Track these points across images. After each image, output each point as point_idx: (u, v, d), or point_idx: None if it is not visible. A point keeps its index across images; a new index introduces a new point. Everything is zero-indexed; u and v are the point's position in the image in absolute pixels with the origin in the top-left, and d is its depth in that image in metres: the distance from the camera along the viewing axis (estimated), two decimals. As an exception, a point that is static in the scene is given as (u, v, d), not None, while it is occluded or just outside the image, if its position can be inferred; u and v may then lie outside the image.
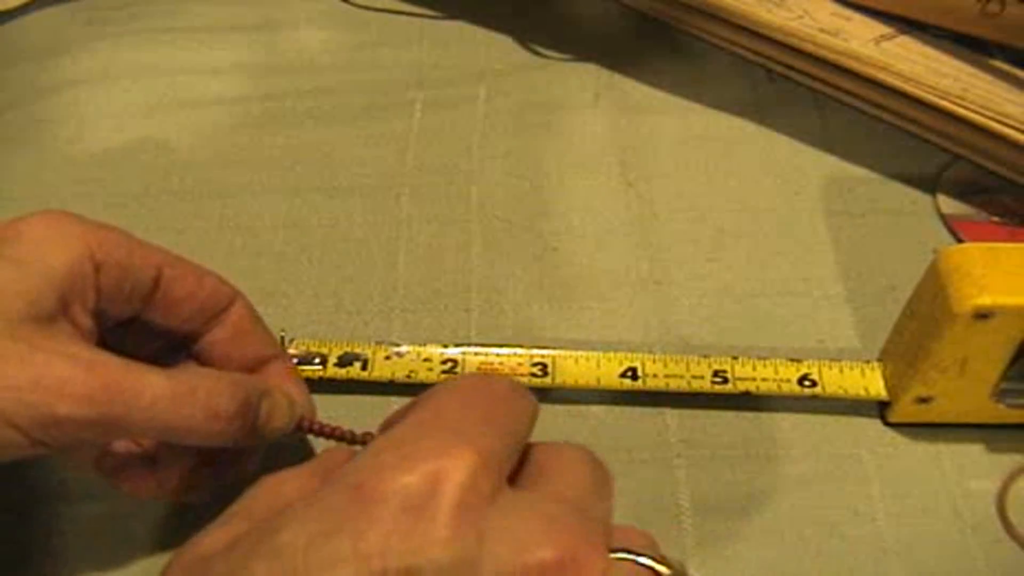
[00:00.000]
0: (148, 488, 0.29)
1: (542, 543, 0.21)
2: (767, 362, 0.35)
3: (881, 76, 0.40)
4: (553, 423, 0.35)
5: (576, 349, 0.36)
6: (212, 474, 0.30)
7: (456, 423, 0.23)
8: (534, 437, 0.35)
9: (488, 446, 0.22)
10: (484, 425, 0.23)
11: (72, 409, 0.24)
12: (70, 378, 0.24)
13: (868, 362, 0.35)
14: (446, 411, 0.23)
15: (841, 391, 0.34)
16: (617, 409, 0.35)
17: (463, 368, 0.35)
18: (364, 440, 0.30)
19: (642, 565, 0.23)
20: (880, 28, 0.44)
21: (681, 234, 0.41)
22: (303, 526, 0.21)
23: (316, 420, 0.31)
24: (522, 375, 0.35)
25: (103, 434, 0.25)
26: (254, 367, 0.31)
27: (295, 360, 0.35)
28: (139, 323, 0.30)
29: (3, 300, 0.25)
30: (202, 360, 0.31)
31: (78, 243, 0.27)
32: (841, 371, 0.35)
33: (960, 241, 0.41)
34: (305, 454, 0.33)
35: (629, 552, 0.23)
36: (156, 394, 0.25)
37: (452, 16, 0.53)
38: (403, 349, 0.36)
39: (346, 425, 0.32)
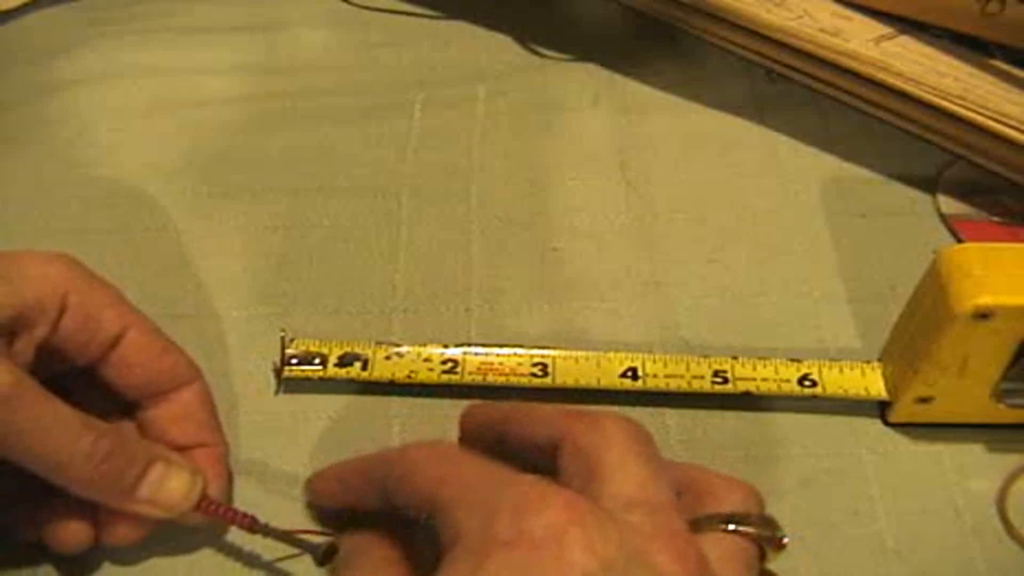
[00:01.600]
0: (81, 536, 0.29)
1: (666, 554, 0.23)
2: (767, 362, 0.35)
3: (881, 76, 0.40)
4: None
5: (576, 349, 0.36)
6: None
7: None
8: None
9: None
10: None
11: None
12: None
13: (868, 362, 0.35)
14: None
15: (841, 391, 0.34)
16: (617, 409, 0.35)
17: (463, 368, 0.35)
18: (264, 531, 0.30)
19: (744, 534, 0.25)
20: (880, 28, 0.44)
21: (681, 234, 0.41)
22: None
23: (219, 503, 0.30)
24: (522, 375, 0.35)
25: None
26: (187, 449, 0.31)
27: (295, 360, 0.35)
28: (88, 376, 0.30)
29: None
30: (141, 430, 0.31)
31: (58, 284, 0.29)
32: (841, 371, 0.35)
33: (960, 241, 0.41)
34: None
35: (730, 520, 0.25)
36: (59, 419, 0.26)
37: (452, 16, 0.53)
38: (403, 349, 0.36)
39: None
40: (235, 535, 0.31)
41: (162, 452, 0.29)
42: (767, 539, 0.26)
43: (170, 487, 0.29)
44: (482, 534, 0.23)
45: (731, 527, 0.25)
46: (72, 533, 0.29)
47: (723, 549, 0.25)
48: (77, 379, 0.30)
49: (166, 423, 0.31)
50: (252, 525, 0.30)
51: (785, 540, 0.26)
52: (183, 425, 0.31)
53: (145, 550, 0.31)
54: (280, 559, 0.31)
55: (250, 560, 0.31)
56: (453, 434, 0.35)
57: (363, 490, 0.28)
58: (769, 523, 0.26)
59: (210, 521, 0.30)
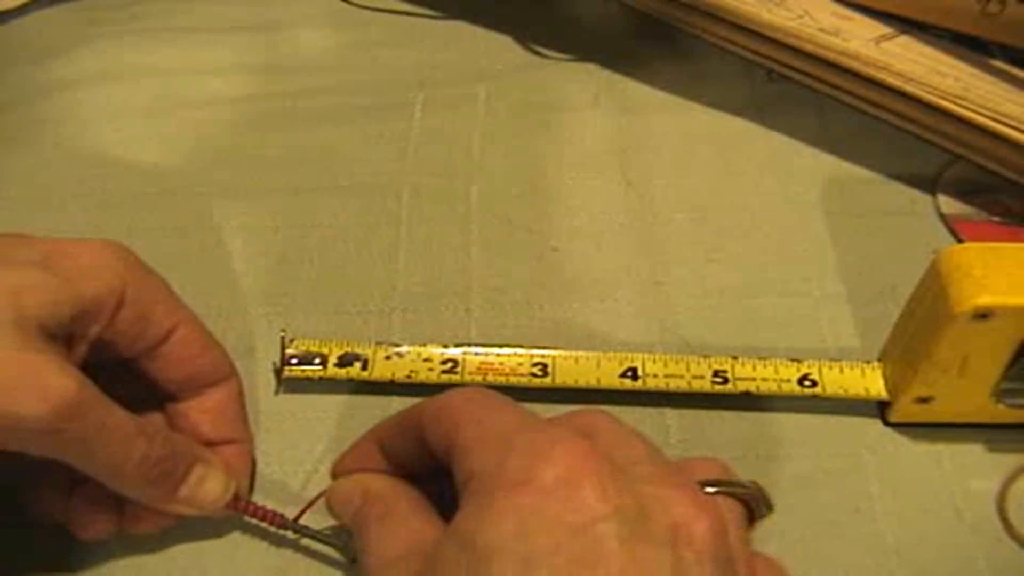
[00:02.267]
0: (104, 523, 0.30)
1: (687, 508, 0.23)
2: (767, 362, 0.35)
3: (881, 76, 0.40)
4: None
5: (576, 349, 0.36)
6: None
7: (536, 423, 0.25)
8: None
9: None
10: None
11: (39, 411, 0.24)
12: (52, 383, 0.25)
13: (868, 362, 0.35)
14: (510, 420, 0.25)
15: (841, 391, 0.34)
16: (617, 409, 0.35)
17: (463, 368, 0.35)
18: (295, 528, 0.31)
19: (731, 492, 0.26)
20: (880, 28, 0.44)
21: (681, 234, 0.41)
22: (499, 528, 0.22)
23: (249, 501, 0.31)
24: (522, 375, 0.35)
25: (52, 448, 0.26)
26: (216, 444, 0.31)
27: (295, 360, 0.35)
28: (131, 367, 0.30)
29: (25, 299, 0.26)
30: (171, 422, 0.32)
31: (114, 279, 0.28)
32: (841, 371, 0.35)
33: (960, 241, 0.41)
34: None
35: (718, 484, 0.26)
36: (120, 426, 0.26)
37: (452, 16, 0.53)
38: (403, 349, 0.36)
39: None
40: (249, 531, 0.31)
41: (202, 453, 0.30)
42: (756, 498, 0.26)
43: (207, 488, 0.29)
44: (494, 476, 0.23)
45: (723, 489, 0.26)
46: (97, 522, 0.29)
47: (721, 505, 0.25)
48: (114, 367, 0.30)
49: (199, 418, 0.31)
50: (283, 522, 0.30)
51: (773, 502, 0.27)
52: (216, 421, 0.31)
53: (159, 540, 0.31)
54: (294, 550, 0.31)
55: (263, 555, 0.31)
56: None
57: (399, 441, 0.28)
58: (755, 485, 0.27)
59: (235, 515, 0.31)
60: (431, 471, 0.27)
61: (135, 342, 0.30)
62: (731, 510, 0.25)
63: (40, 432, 0.25)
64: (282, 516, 0.31)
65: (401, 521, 0.27)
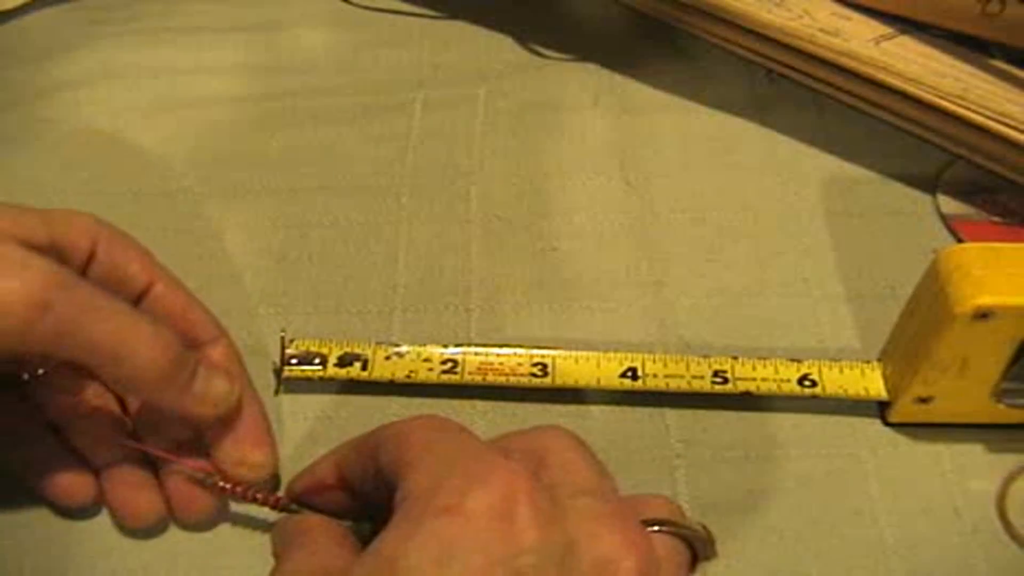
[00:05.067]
0: (146, 508, 0.30)
1: (617, 546, 0.23)
2: (767, 362, 0.35)
3: (881, 76, 0.40)
4: (553, 423, 0.35)
5: (576, 349, 0.36)
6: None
7: (476, 449, 0.25)
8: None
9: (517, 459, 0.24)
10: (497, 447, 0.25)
11: (24, 285, 0.25)
12: (31, 262, 0.26)
13: (868, 362, 0.35)
14: (451, 445, 0.25)
15: (841, 391, 0.34)
16: (617, 409, 0.35)
17: (463, 368, 0.35)
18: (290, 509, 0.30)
19: (676, 533, 0.25)
20: (880, 28, 0.44)
21: (681, 234, 0.41)
22: (421, 553, 0.22)
23: (246, 484, 0.31)
24: (522, 375, 0.35)
25: (54, 334, 0.26)
26: None
27: (295, 360, 0.35)
28: None
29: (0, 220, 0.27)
30: None
31: (87, 228, 0.30)
32: (841, 371, 0.35)
33: (960, 241, 0.41)
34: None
35: (664, 523, 0.25)
36: (117, 309, 0.27)
37: (452, 16, 0.53)
38: (403, 349, 0.36)
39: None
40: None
41: (201, 358, 0.30)
42: (701, 541, 0.26)
43: (216, 383, 0.30)
44: (425, 498, 0.23)
45: (667, 528, 0.25)
46: (141, 506, 0.30)
47: (661, 546, 0.25)
48: None
49: None
50: (280, 504, 0.30)
51: (718, 549, 0.27)
52: None
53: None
54: None
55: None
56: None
57: (356, 465, 0.28)
58: (703, 528, 0.26)
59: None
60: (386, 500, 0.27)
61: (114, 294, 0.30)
62: (673, 550, 0.25)
63: (32, 306, 0.25)
64: (277, 497, 0.31)
65: (317, 548, 0.27)
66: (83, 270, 0.29)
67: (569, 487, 0.24)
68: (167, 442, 0.31)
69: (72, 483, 0.30)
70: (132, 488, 0.30)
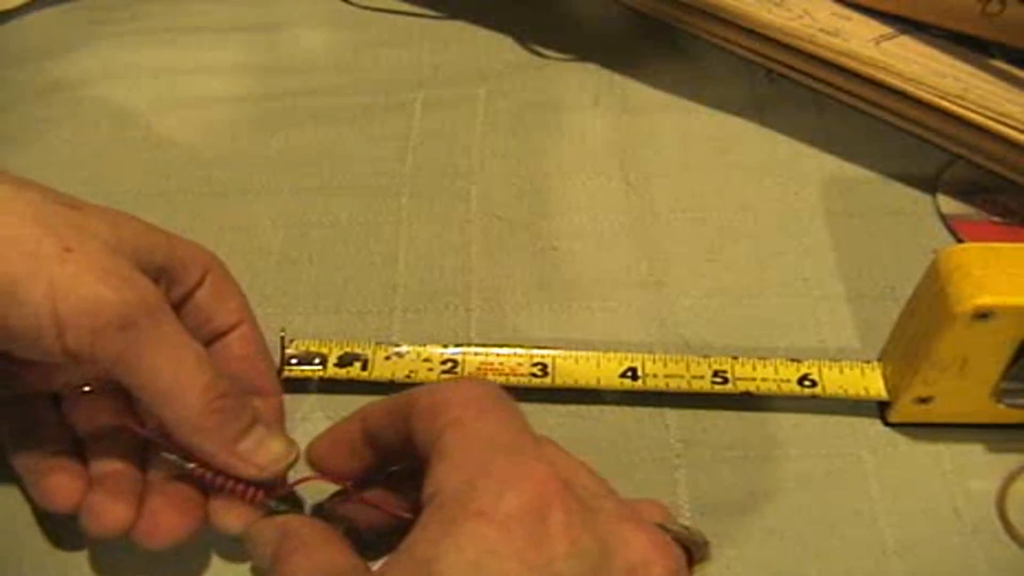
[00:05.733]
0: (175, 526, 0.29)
1: (647, 549, 0.23)
2: (767, 362, 0.35)
3: (881, 76, 0.40)
4: (553, 423, 0.35)
5: (576, 349, 0.36)
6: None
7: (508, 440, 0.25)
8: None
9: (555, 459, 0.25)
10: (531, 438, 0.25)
11: (121, 296, 0.26)
12: (137, 280, 0.27)
13: (868, 362, 0.35)
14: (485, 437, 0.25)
15: (841, 391, 0.34)
16: (617, 409, 0.35)
17: (463, 368, 0.35)
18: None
19: (675, 536, 0.25)
20: (880, 28, 0.44)
21: (681, 234, 0.41)
22: (456, 556, 0.22)
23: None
24: (522, 375, 0.35)
25: (123, 347, 0.26)
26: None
27: (295, 360, 0.35)
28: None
29: (123, 230, 0.28)
30: None
31: (203, 256, 0.32)
32: (841, 371, 0.35)
33: (960, 241, 0.41)
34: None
35: (663, 527, 0.25)
36: (186, 348, 0.27)
37: (452, 16, 0.53)
38: (403, 349, 0.36)
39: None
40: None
41: (265, 417, 0.30)
42: (696, 543, 0.26)
43: (271, 447, 0.29)
44: (460, 498, 0.23)
45: (663, 532, 0.25)
46: (113, 511, 0.29)
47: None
48: None
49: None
50: (258, 498, 0.29)
51: (711, 551, 0.27)
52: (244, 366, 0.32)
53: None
54: None
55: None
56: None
57: (386, 425, 0.27)
58: (697, 530, 0.27)
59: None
60: (409, 465, 0.27)
61: (204, 324, 0.31)
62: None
63: (116, 321, 0.26)
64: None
65: (313, 551, 0.27)
66: (189, 295, 0.31)
67: (584, 489, 0.24)
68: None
69: (66, 489, 0.30)
70: (170, 506, 0.30)
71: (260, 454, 0.29)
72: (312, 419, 0.35)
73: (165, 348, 0.27)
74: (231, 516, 0.29)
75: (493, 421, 0.25)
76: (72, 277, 0.26)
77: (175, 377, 0.27)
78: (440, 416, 0.25)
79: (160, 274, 0.29)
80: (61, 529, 0.32)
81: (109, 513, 0.29)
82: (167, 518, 0.29)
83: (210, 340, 0.32)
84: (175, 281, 0.30)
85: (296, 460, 0.30)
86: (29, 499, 0.31)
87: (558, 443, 0.27)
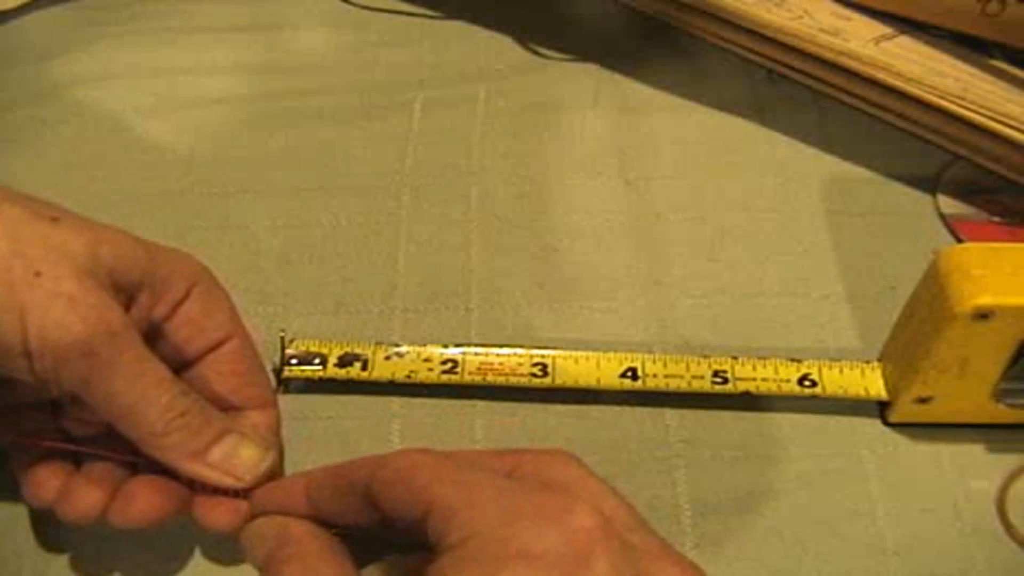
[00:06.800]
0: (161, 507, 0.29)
1: None
2: (767, 362, 0.35)
3: (881, 76, 0.40)
4: (553, 423, 0.35)
5: (576, 349, 0.36)
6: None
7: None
8: (534, 437, 0.35)
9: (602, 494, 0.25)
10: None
11: (81, 327, 0.26)
12: (100, 309, 0.26)
13: (868, 362, 0.35)
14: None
15: (841, 391, 0.34)
16: (617, 409, 0.35)
17: (463, 368, 0.35)
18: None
19: None
20: (880, 28, 0.44)
21: (681, 234, 0.41)
22: None
23: None
24: (522, 375, 0.35)
25: (82, 373, 0.26)
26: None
27: (295, 360, 0.35)
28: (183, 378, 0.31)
29: (103, 248, 0.28)
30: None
31: (189, 270, 0.31)
32: (841, 371, 0.35)
33: (960, 241, 0.41)
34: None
35: None
36: (145, 370, 0.27)
37: (452, 16, 0.53)
38: (403, 349, 0.36)
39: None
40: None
41: (238, 427, 0.30)
42: None
43: (242, 454, 0.29)
44: (499, 540, 0.22)
45: None
46: (87, 499, 0.29)
47: None
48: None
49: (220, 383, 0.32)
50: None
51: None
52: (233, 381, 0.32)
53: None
54: None
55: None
56: (452, 435, 0.35)
57: (333, 499, 0.27)
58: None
59: None
60: (367, 528, 0.26)
61: (194, 338, 0.31)
62: None
63: (79, 348, 0.26)
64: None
65: (311, 564, 0.26)
66: (174, 308, 0.30)
67: (618, 521, 0.24)
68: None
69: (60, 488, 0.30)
70: (147, 487, 0.29)
71: (232, 463, 0.29)
72: (312, 419, 0.35)
73: (125, 372, 0.27)
74: (216, 513, 0.29)
75: (474, 472, 0.24)
76: (39, 305, 0.26)
77: (136, 399, 0.27)
78: (417, 481, 0.24)
79: (139, 290, 0.29)
80: (61, 531, 0.32)
81: (84, 497, 0.29)
82: (143, 498, 0.29)
83: (201, 354, 0.31)
84: (158, 296, 0.30)
85: (273, 464, 0.30)
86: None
87: (563, 450, 0.26)
